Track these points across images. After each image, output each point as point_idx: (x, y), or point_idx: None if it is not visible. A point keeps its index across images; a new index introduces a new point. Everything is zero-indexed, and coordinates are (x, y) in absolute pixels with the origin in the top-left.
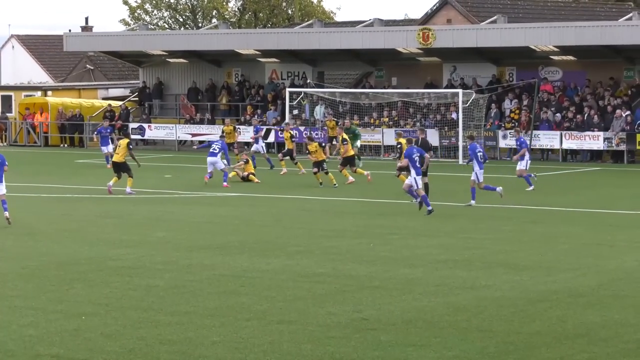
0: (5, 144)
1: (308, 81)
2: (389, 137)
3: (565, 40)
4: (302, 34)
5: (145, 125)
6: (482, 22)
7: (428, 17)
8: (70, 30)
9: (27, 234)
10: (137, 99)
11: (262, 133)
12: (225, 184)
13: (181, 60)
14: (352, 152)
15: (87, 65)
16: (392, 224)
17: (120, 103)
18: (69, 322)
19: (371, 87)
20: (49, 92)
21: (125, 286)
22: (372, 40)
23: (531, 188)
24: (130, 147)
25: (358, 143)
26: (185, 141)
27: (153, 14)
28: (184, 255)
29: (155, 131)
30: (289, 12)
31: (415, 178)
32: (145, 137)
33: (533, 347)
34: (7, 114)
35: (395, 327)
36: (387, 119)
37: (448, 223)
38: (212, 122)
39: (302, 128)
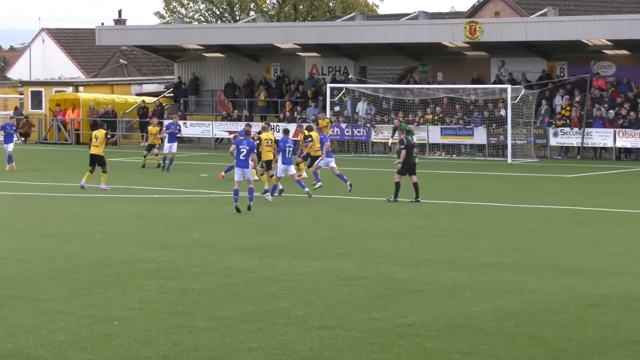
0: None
1: (350, 76)
2: (434, 134)
3: (619, 33)
4: (344, 27)
5: (181, 122)
6: (532, 15)
7: (475, 10)
8: (102, 24)
9: (57, 235)
10: (172, 95)
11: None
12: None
13: (218, 54)
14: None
15: (120, 60)
16: (436, 225)
17: (154, 99)
18: (101, 327)
19: (415, 83)
20: (81, 88)
21: (159, 290)
22: (416, 33)
23: None
24: (109, 137)
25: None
26: (222, 139)
27: (189, 6)
28: (221, 258)
29: (190, 128)
30: (330, 4)
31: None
32: (182, 134)
33: (585, 355)
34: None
35: (440, 333)
36: (431, 116)
37: (495, 224)
38: (249, 118)
39: (343, 125)
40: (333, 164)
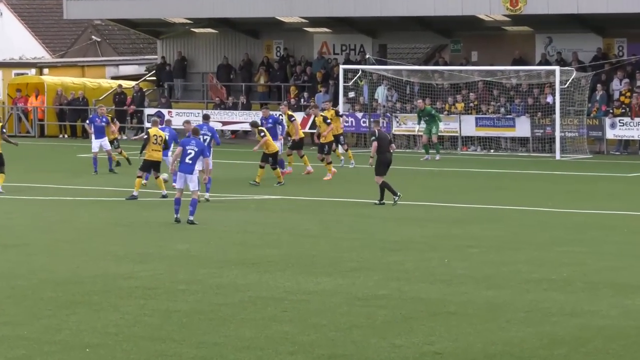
0: None
1: (367, 56)
2: (468, 126)
3: None
4: None
5: (165, 111)
6: None
7: None
8: None
9: (17, 245)
10: (154, 78)
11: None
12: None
13: (209, 30)
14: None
15: (93, 37)
16: (470, 234)
17: (133, 84)
18: (70, 356)
19: (445, 64)
20: (45, 70)
21: (138, 311)
22: (447, 5)
23: None
24: (4, 130)
25: (438, 128)
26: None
27: None
28: (212, 273)
29: (177, 118)
30: None
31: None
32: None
33: None
34: None
35: None
36: (463, 104)
37: (540, 233)
38: (247, 106)
39: (359, 114)
40: None
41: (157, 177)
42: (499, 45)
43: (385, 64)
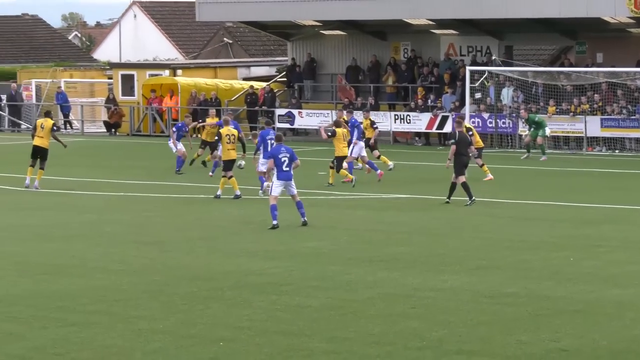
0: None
1: (493, 58)
2: (593, 126)
3: None
4: (486, 0)
5: (295, 112)
6: None
7: None
8: None
9: (153, 243)
10: (284, 79)
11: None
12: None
13: (338, 32)
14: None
15: (225, 39)
16: (598, 234)
17: (264, 84)
18: (204, 350)
19: (571, 65)
20: (179, 71)
21: (271, 306)
22: (571, 6)
23: None
24: (54, 128)
25: (546, 131)
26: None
27: None
28: (342, 270)
29: (306, 119)
30: None
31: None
32: (295, 125)
33: None
34: (121, 98)
35: None
36: (587, 106)
37: None
38: (375, 107)
39: (485, 115)
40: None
41: (230, 177)
42: (623, 47)
43: (511, 65)
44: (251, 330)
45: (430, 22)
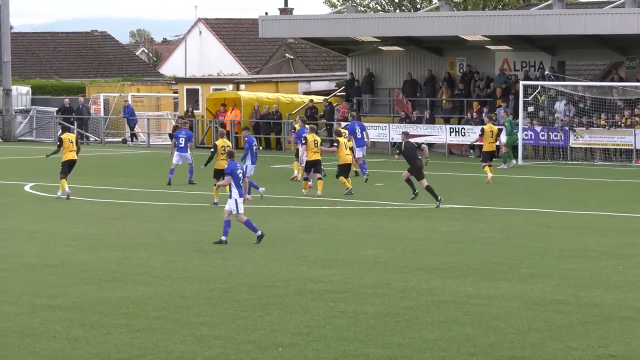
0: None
1: (546, 73)
2: None
3: None
4: (539, 17)
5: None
6: None
7: None
8: (266, 14)
9: (215, 251)
10: (343, 93)
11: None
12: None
13: (396, 47)
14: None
15: (286, 55)
16: None
17: (323, 98)
18: (263, 355)
19: (621, 80)
20: (242, 86)
21: (328, 313)
22: (622, 24)
23: None
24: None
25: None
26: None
27: None
28: (398, 278)
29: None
30: None
31: (236, 200)
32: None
33: None
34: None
35: None
36: (638, 118)
37: None
38: (431, 120)
39: (538, 128)
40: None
41: (218, 186)
42: None
43: (563, 80)
44: (309, 336)
45: (486, 38)
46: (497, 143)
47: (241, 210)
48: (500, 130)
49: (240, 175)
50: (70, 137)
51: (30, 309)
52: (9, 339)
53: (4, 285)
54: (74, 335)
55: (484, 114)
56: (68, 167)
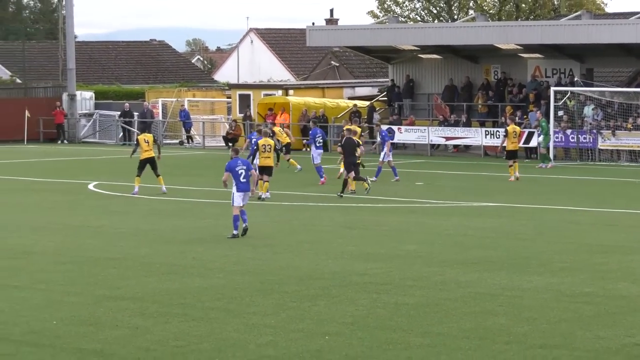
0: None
1: (575, 79)
2: None
3: None
4: (569, 27)
5: (395, 128)
6: None
7: None
8: (313, 24)
9: (265, 245)
10: (385, 98)
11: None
12: None
13: (434, 55)
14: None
15: (332, 62)
16: None
17: (367, 103)
18: (311, 343)
19: None
20: (291, 91)
21: (372, 304)
22: None
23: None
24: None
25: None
26: (439, 145)
27: (404, 5)
28: (437, 271)
29: (405, 134)
30: (555, 2)
31: (233, 194)
32: (395, 140)
33: None
34: (238, 115)
35: None
36: None
37: None
38: (467, 124)
39: (568, 132)
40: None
41: (266, 181)
42: None
43: (591, 86)
44: (354, 325)
45: (519, 47)
46: (536, 144)
47: (235, 204)
48: (530, 132)
49: (242, 171)
50: (146, 137)
51: (94, 299)
52: (74, 327)
53: (70, 278)
54: (134, 324)
55: (507, 117)
56: (143, 165)
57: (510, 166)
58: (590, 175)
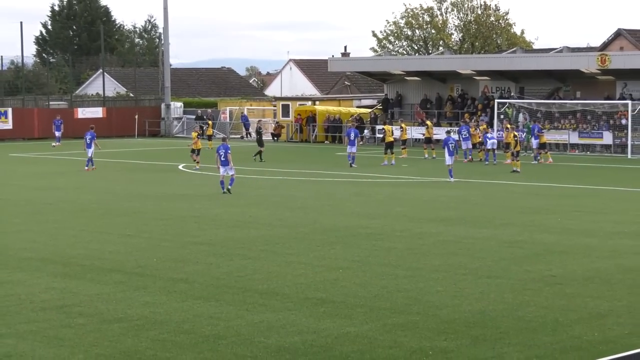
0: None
1: (512, 94)
2: (573, 137)
3: None
4: (508, 58)
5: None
6: None
7: (605, 46)
8: (333, 56)
9: (300, 207)
10: (382, 107)
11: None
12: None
13: (415, 78)
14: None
15: (346, 82)
16: (577, 203)
17: (369, 110)
18: (330, 274)
19: (560, 99)
20: (317, 102)
21: (372, 248)
22: (561, 62)
23: None
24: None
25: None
26: (419, 139)
27: (395, 43)
28: (417, 225)
29: (395, 132)
30: (498, 41)
31: (219, 168)
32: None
33: None
34: (281, 118)
35: (576, 282)
36: (575, 125)
37: (621, 203)
38: (437, 125)
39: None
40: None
41: (392, 153)
42: (593, 88)
43: (523, 99)
44: (359, 262)
45: (473, 72)
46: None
47: (221, 173)
48: (522, 134)
49: (222, 152)
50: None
51: (181, 244)
52: (168, 263)
53: (165, 230)
54: (209, 261)
55: (504, 128)
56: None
57: (516, 161)
58: (523, 161)
